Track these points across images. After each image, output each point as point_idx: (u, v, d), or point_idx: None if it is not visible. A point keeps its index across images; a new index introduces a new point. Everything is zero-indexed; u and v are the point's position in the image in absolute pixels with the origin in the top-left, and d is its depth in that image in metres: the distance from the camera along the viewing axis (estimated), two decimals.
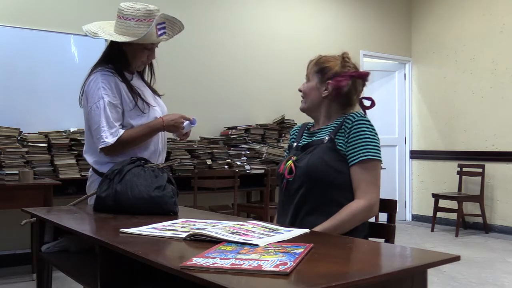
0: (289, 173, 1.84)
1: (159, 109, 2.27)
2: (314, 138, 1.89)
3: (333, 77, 1.87)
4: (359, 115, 1.81)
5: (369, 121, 1.81)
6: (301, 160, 1.83)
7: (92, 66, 2.21)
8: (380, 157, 1.78)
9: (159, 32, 2.16)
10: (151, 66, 2.35)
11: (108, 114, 2.07)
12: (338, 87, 1.85)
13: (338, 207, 1.75)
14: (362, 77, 1.90)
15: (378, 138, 1.80)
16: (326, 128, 1.89)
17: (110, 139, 2.06)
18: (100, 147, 2.07)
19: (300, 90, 1.97)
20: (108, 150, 2.08)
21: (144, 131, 2.14)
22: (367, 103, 1.95)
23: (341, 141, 1.79)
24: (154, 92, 2.35)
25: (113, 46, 2.20)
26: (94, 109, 2.08)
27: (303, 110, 1.98)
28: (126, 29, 2.12)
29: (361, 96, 1.96)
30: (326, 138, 1.82)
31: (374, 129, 1.80)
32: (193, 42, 5.32)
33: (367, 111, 1.95)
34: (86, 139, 2.22)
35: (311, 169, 1.77)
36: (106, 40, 2.19)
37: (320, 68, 1.90)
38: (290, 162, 1.86)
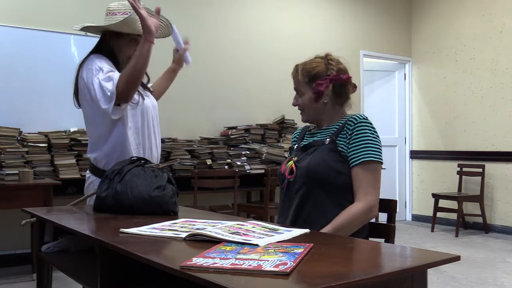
0: (290, 173, 1.84)
1: (149, 101, 2.28)
2: (315, 138, 1.90)
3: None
4: (362, 117, 1.82)
5: (371, 123, 1.82)
6: (302, 160, 1.84)
7: (84, 57, 2.21)
8: (381, 159, 1.78)
9: None
10: None
11: (105, 77, 2.04)
12: (318, 91, 1.84)
13: (338, 208, 1.75)
14: (341, 81, 1.86)
15: (379, 140, 1.81)
16: (327, 129, 1.89)
17: (111, 87, 2.01)
18: (109, 106, 2.01)
19: (296, 105, 1.94)
20: (118, 96, 2.01)
21: (134, 57, 2.04)
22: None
23: (342, 142, 1.80)
24: (144, 86, 2.33)
25: (101, 43, 2.22)
26: (95, 81, 2.06)
27: (307, 122, 1.97)
28: (111, 21, 2.15)
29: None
30: (328, 139, 1.82)
31: (376, 132, 1.81)
32: (193, 42, 5.31)
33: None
34: (87, 133, 2.21)
35: (312, 169, 1.77)
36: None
37: (310, 77, 1.87)
38: (291, 162, 1.86)
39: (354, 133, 1.78)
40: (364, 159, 1.75)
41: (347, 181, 1.77)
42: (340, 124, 1.85)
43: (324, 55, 1.92)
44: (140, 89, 2.26)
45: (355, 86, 1.94)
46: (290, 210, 1.84)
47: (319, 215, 1.76)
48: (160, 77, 2.59)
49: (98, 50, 2.21)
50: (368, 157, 1.75)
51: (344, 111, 1.92)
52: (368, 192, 1.75)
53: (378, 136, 1.81)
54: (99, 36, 2.27)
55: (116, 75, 2.06)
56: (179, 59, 2.56)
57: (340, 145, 1.80)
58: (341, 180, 1.77)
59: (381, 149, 1.79)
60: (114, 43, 2.21)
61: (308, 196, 1.79)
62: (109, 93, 2.02)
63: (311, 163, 1.78)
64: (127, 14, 2.13)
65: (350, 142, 1.78)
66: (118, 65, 2.20)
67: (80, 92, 2.17)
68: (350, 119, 1.82)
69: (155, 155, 2.29)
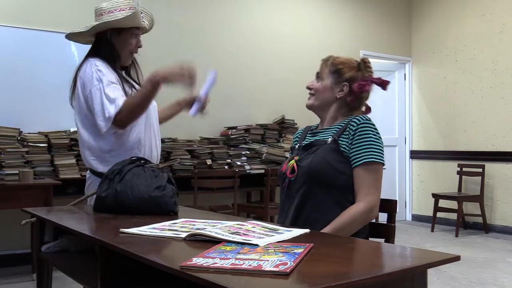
0: (291, 172, 1.84)
1: None
2: (316, 137, 1.90)
3: (350, 79, 1.89)
4: (365, 118, 1.82)
5: (374, 125, 1.83)
6: (303, 159, 1.84)
7: (82, 59, 2.22)
8: (383, 160, 1.79)
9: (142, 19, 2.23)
10: (135, 65, 2.36)
11: (109, 93, 2.06)
12: (362, 91, 1.88)
13: (339, 208, 1.75)
14: (383, 85, 1.92)
15: (382, 142, 1.82)
16: (329, 129, 1.89)
17: (112, 111, 2.03)
18: (105, 127, 2.04)
19: (309, 88, 1.96)
20: (116, 122, 2.04)
21: (140, 91, 2.08)
22: (362, 108, 1.98)
23: (344, 142, 1.80)
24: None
25: (101, 42, 2.22)
26: (94, 91, 2.07)
27: (311, 107, 1.96)
28: (118, 17, 2.15)
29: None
30: (330, 139, 1.83)
31: (378, 133, 1.82)
32: (193, 42, 5.32)
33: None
34: (82, 136, 2.19)
35: (313, 169, 1.78)
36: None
37: (337, 69, 1.91)
38: (292, 161, 1.87)
39: (357, 134, 1.79)
40: (366, 159, 1.75)
41: (348, 181, 1.78)
42: (343, 125, 1.85)
43: (360, 59, 1.97)
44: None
45: (369, 109, 1.97)
46: (290, 209, 1.84)
47: (320, 215, 1.77)
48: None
49: (95, 53, 2.21)
50: (370, 158, 1.76)
51: (349, 114, 1.92)
52: (369, 192, 1.75)
53: (380, 138, 1.82)
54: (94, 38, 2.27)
55: (120, 100, 2.05)
56: (187, 103, 2.38)
57: (343, 145, 1.80)
58: (342, 180, 1.77)
59: (383, 151, 1.80)
60: (115, 40, 2.20)
61: (309, 195, 1.79)
62: (107, 115, 2.04)
63: (313, 162, 1.79)
64: (123, 10, 2.15)
65: (353, 143, 1.79)
66: (116, 64, 2.20)
67: (77, 94, 2.17)
68: (353, 119, 1.83)
69: (154, 154, 2.28)
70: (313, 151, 1.83)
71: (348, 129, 1.81)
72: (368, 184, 1.75)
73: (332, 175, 1.77)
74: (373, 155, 1.76)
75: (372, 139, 1.78)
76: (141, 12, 2.24)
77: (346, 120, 1.86)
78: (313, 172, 1.78)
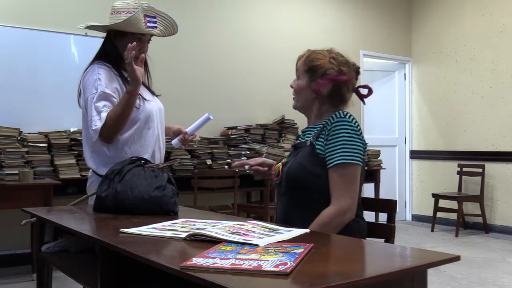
0: (276, 176, 1.85)
1: (154, 104, 2.27)
2: (305, 137, 1.87)
3: (324, 75, 1.81)
4: (339, 116, 1.75)
5: (350, 121, 1.74)
6: (287, 163, 1.84)
7: (89, 62, 2.22)
8: (357, 160, 1.70)
9: (148, 24, 2.18)
10: (146, 66, 2.32)
11: (99, 105, 2.07)
12: (316, 90, 1.82)
13: (320, 212, 1.72)
14: (340, 83, 1.81)
15: (358, 139, 1.72)
16: (314, 128, 1.85)
17: (98, 124, 2.06)
18: (94, 137, 2.08)
19: (292, 87, 1.93)
20: (102, 136, 2.07)
21: (119, 103, 2.10)
22: (364, 91, 1.88)
23: (320, 144, 1.75)
24: (151, 91, 2.35)
25: (106, 42, 2.23)
26: (90, 99, 2.09)
27: (295, 108, 1.95)
28: (116, 20, 2.15)
29: (357, 85, 1.90)
30: (308, 141, 1.80)
31: (353, 130, 1.72)
32: (193, 42, 5.32)
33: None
34: (87, 137, 2.20)
35: (290, 174, 1.78)
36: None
37: (310, 67, 1.85)
38: (279, 164, 1.87)
39: (331, 134, 1.72)
40: (337, 161, 1.69)
41: (326, 184, 1.72)
42: (324, 123, 1.79)
43: (327, 50, 1.87)
44: (147, 93, 2.26)
45: (371, 90, 1.86)
46: (280, 211, 1.85)
47: (302, 219, 1.72)
48: None
49: (103, 54, 2.21)
50: (341, 160, 1.69)
51: (334, 110, 1.83)
52: (340, 195, 1.69)
53: (355, 135, 1.72)
54: (101, 37, 2.26)
55: (104, 113, 2.07)
56: (174, 132, 2.47)
57: (318, 148, 1.75)
58: (320, 183, 1.72)
59: (358, 149, 1.71)
60: (119, 42, 2.20)
61: (291, 199, 1.79)
62: (94, 127, 2.06)
63: (290, 168, 1.79)
64: (131, 13, 2.13)
65: (327, 144, 1.73)
66: (121, 66, 2.20)
67: (82, 96, 2.18)
68: (331, 117, 1.77)
69: (157, 157, 2.28)
70: (295, 154, 1.83)
71: (325, 128, 1.76)
72: (340, 186, 1.69)
73: (307, 180, 1.73)
74: (345, 156, 1.69)
75: (344, 138, 1.70)
76: (154, 17, 2.22)
77: (327, 118, 1.79)
78: (290, 178, 1.77)
